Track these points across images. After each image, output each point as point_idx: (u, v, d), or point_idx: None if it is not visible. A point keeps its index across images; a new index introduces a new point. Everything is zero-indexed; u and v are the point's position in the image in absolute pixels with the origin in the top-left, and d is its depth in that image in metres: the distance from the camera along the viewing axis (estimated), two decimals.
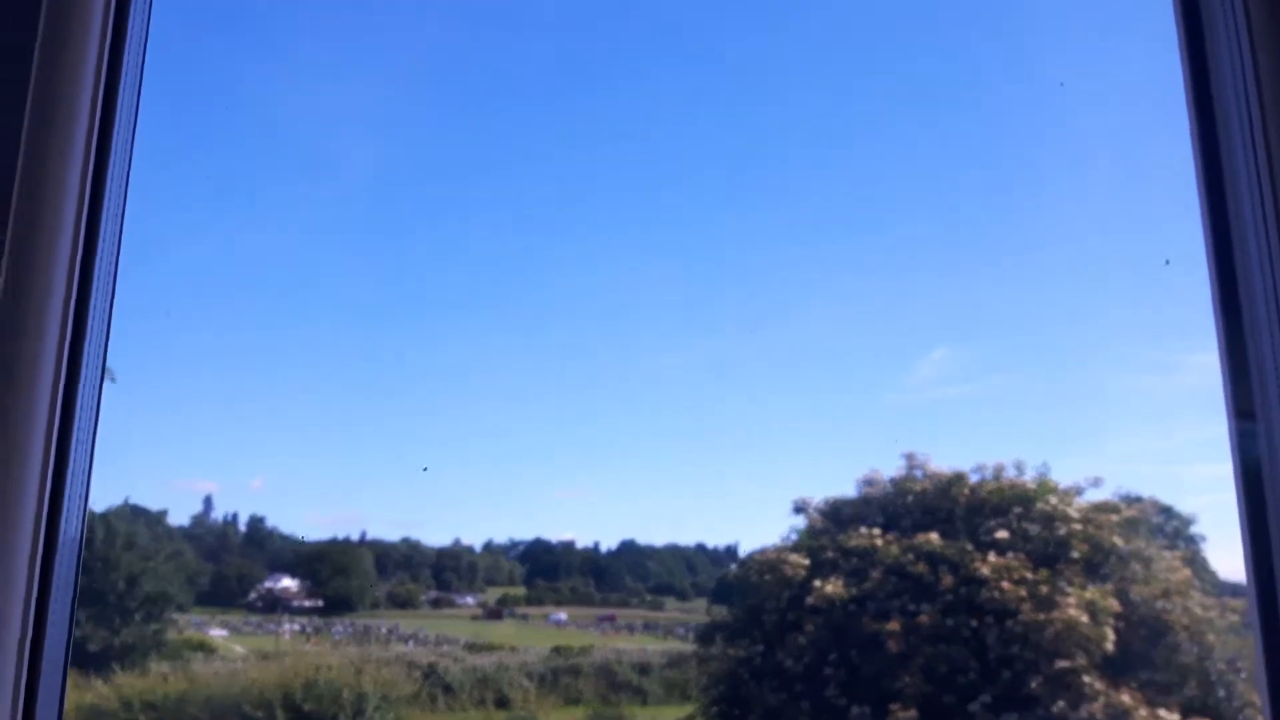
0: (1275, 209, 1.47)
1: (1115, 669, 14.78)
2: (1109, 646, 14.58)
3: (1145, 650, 15.16)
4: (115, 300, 1.60)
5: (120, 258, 1.60)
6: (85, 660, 31.36)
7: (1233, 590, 18.95)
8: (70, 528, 1.48)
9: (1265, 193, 1.48)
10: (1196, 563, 19.64)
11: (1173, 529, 21.54)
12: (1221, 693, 15.21)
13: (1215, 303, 1.61)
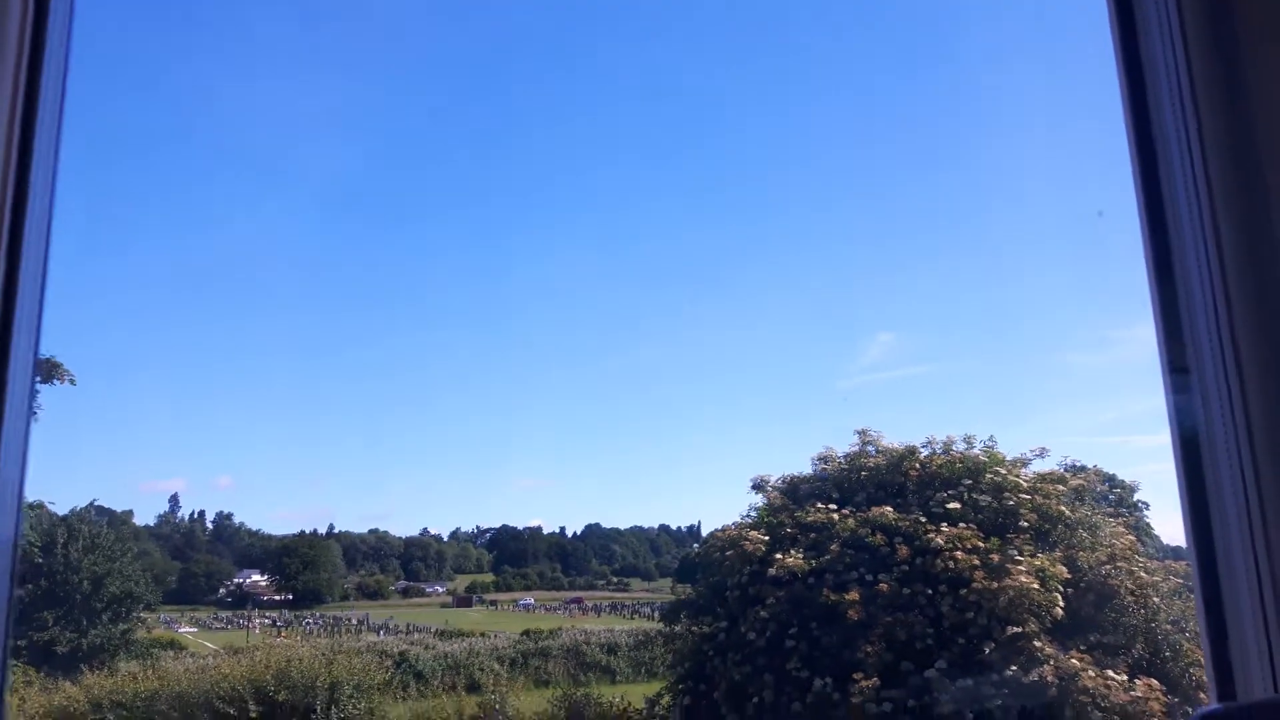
0: (1204, 170, 1.51)
1: (1065, 633, 15.22)
2: (1058, 612, 15.00)
3: (1093, 614, 15.61)
4: (44, 301, 1.54)
5: (49, 261, 1.56)
6: (53, 662, 31.04)
7: (1175, 554, 19.50)
8: (3, 529, 1.46)
9: (1194, 153, 1.52)
10: (1140, 528, 20.20)
11: (1116, 496, 22.08)
12: (1167, 653, 15.69)
13: (1148, 261, 1.64)
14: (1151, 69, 1.64)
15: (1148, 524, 23.46)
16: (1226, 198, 1.49)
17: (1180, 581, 16.19)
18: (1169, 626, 15.66)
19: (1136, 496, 26.68)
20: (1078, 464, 18.44)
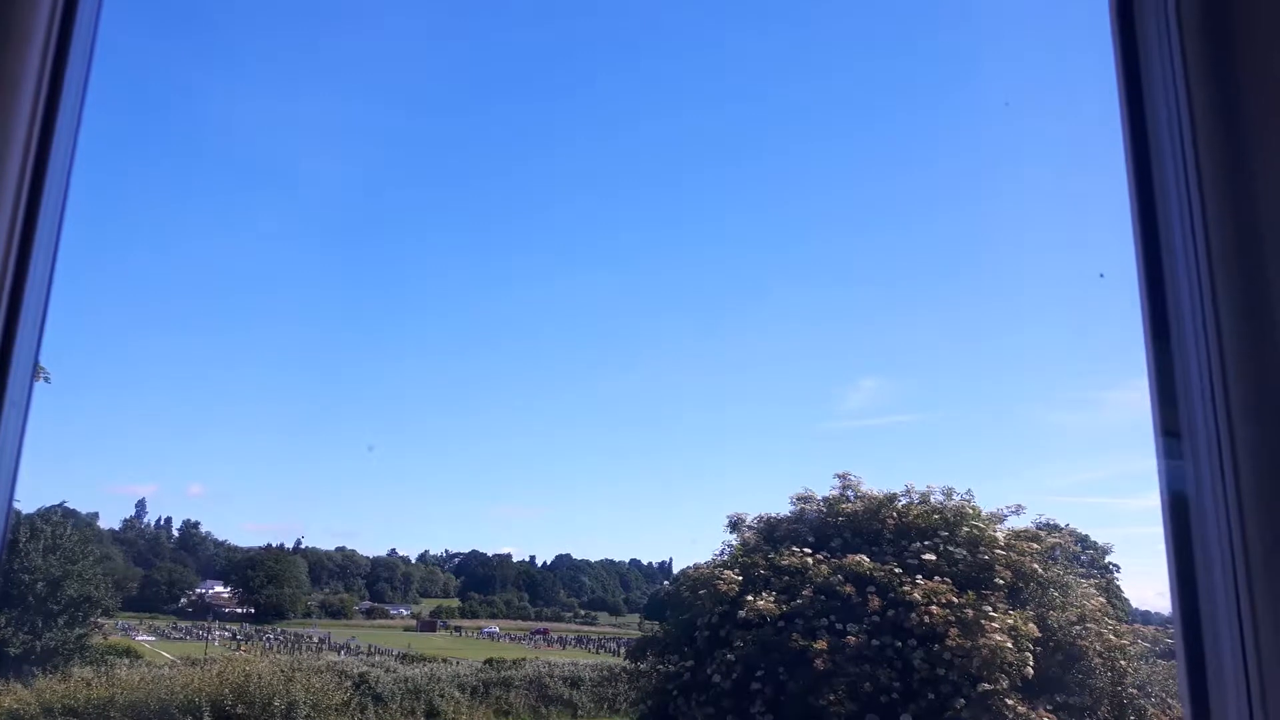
0: (1205, 233, 1.50)
1: (1032, 692, 15.17)
2: (1029, 670, 14.97)
3: (1061, 674, 15.59)
4: (50, 304, 1.55)
5: (57, 263, 1.56)
6: (4, 664, 30.47)
7: (1144, 618, 19.52)
8: None
9: (1195, 217, 1.52)
10: (1110, 590, 20.16)
11: (1089, 558, 22.10)
12: (1132, 716, 15.68)
13: (1145, 324, 1.63)
14: (1156, 135, 1.64)
15: (1118, 586, 23.57)
16: (1226, 261, 1.48)
17: (1148, 645, 16.19)
18: (1135, 690, 15.64)
19: (1108, 559, 26.83)
20: (1052, 522, 18.46)
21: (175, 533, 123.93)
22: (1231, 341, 1.46)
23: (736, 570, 17.18)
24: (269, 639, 66.97)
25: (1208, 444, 1.48)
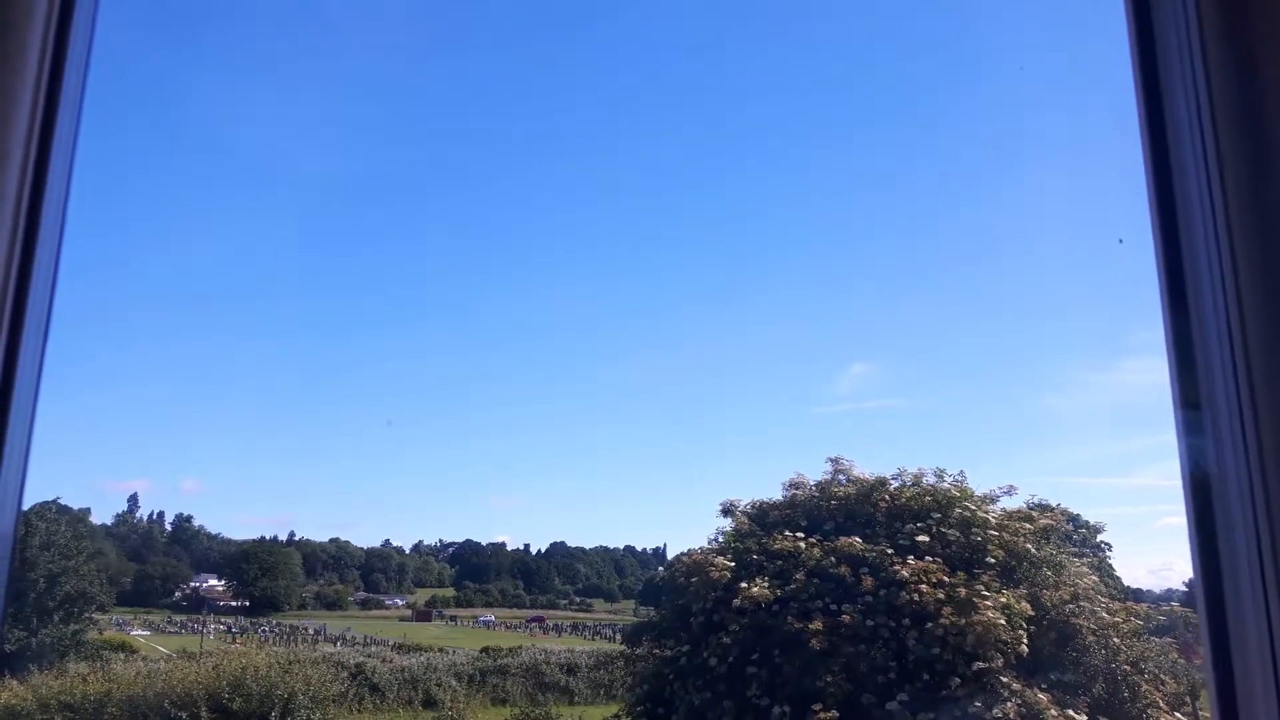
0: (1223, 196, 1.47)
1: (1028, 670, 15.25)
2: (1022, 649, 15.05)
3: (1054, 653, 15.67)
4: (54, 301, 1.56)
5: (60, 263, 1.57)
6: (1, 661, 30.42)
7: (1136, 596, 19.63)
8: (3, 523, 1.45)
9: (1213, 179, 1.48)
10: (1102, 569, 20.26)
11: (1080, 537, 22.19)
12: (1126, 693, 15.78)
13: (1162, 293, 1.60)
14: (1171, 101, 1.62)
15: (1110, 565, 23.77)
16: (1245, 227, 1.46)
17: (1140, 623, 16.28)
18: (1128, 667, 15.72)
19: (1100, 538, 27.03)
20: (1044, 502, 18.54)
21: (168, 527, 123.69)
22: (1252, 308, 1.43)
23: (729, 556, 17.21)
24: (264, 631, 66.99)
25: (1229, 415, 1.45)
